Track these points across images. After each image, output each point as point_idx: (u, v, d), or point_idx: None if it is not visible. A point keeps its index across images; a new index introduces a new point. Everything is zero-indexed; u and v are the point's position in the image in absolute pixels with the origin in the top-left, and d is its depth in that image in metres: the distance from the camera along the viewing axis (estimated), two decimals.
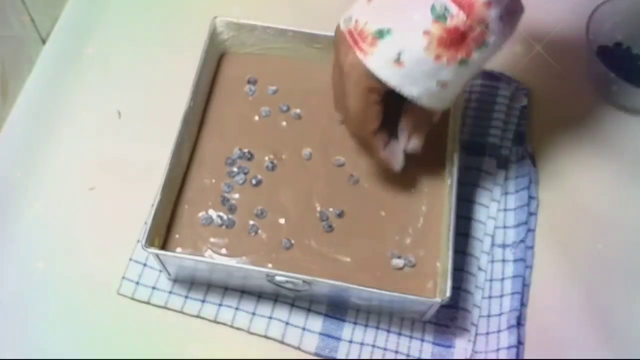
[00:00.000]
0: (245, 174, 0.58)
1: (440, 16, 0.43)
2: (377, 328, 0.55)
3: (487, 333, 0.54)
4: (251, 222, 0.56)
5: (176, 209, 0.56)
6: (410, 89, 0.47)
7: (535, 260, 0.57)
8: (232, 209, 0.56)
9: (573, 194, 0.60)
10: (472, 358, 0.53)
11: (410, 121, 0.52)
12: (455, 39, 0.44)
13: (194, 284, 0.56)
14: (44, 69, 0.68)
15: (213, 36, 0.61)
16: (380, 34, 0.45)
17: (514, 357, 0.53)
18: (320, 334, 0.54)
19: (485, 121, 0.63)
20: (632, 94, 0.62)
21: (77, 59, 0.68)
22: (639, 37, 0.67)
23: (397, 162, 0.54)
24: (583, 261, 0.57)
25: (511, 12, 0.46)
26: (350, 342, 0.54)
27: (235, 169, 0.58)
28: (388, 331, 0.55)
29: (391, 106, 0.50)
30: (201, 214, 0.56)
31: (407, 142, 0.52)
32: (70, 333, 0.54)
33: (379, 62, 0.46)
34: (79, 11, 0.72)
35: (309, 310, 0.55)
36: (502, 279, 0.56)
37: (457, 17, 0.43)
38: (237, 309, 0.55)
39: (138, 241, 0.57)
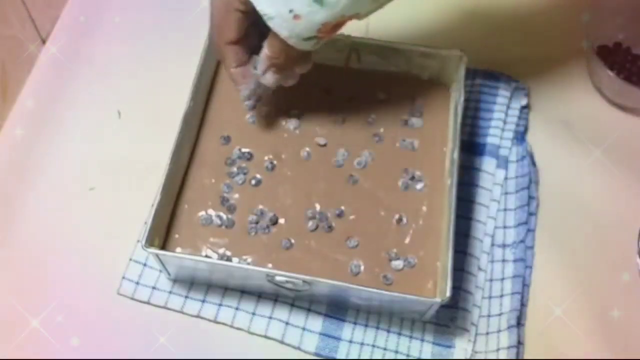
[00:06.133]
0: (245, 174, 0.58)
1: None
2: (377, 328, 0.55)
3: (487, 333, 0.54)
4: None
5: (176, 209, 0.56)
6: (263, 5, 0.47)
7: (535, 260, 0.57)
8: (231, 209, 0.56)
9: (573, 194, 0.60)
10: (472, 358, 0.53)
11: (270, 53, 0.51)
12: None
13: (194, 284, 0.56)
14: (44, 69, 0.67)
15: None
16: None
17: (514, 357, 0.53)
18: (320, 334, 0.54)
19: (485, 121, 0.63)
20: (632, 94, 0.62)
21: (77, 59, 0.68)
22: (639, 37, 0.67)
23: (246, 86, 0.54)
24: (583, 261, 0.57)
25: None
26: (350, 342, 0.54)
27: (234, 169, 0.58)
28: (388, 331, 0.55)
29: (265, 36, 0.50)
30: (201, 214, 0.56)
31: (262, 74, 0.53)
32: (70, 333, 0.54)
33: None
34: (79, 11, 0.72)
35: (309, 310, 0.55)
36: (502, 279, 0.56)
37: None
38: (237, 309, 0.55)
39: (138, 241, 0.57)
